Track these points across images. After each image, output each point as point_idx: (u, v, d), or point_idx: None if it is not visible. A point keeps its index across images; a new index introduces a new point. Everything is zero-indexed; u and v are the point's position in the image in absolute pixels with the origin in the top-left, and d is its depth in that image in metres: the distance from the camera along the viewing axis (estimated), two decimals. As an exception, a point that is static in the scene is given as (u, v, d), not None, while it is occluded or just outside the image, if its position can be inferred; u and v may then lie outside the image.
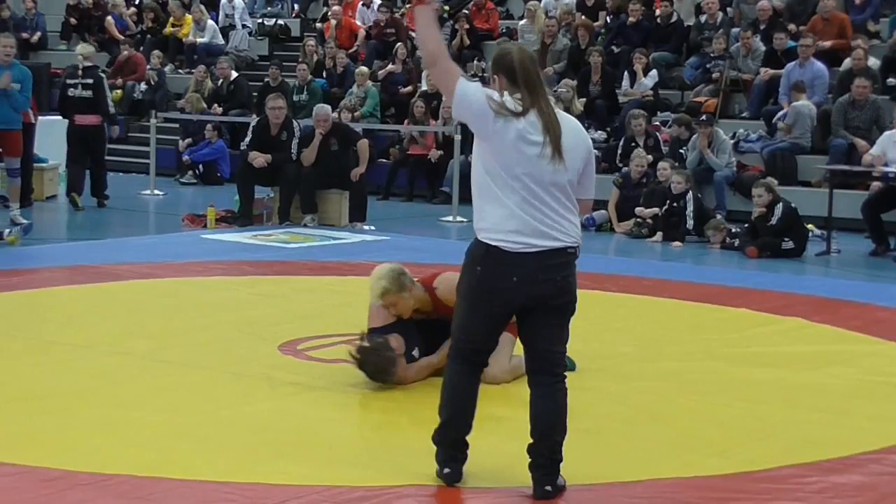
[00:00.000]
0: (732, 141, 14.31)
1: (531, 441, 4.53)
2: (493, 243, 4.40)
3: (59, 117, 15.70)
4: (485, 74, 17.33)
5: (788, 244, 11.43)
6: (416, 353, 6.10)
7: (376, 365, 5.92)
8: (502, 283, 4.42)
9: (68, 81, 14.25)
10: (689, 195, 12.17)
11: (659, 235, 12.17)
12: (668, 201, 12.26)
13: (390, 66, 17.66)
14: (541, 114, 4.39)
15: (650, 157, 13.44)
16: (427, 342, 6.16)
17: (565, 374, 4.59)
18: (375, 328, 6.08)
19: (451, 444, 4.63)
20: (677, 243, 11.89)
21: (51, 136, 15.28)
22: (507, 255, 4.39)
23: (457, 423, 4.61)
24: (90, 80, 14.12)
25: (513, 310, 4.50)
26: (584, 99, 15.68)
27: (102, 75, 15.23)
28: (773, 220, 11.45)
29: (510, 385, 6.14)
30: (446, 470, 4.60)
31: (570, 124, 4.52)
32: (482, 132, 4.43)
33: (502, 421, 5.58)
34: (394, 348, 5.95)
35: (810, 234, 11.91)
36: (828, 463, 5.00)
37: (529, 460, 4.53)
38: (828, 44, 15.21)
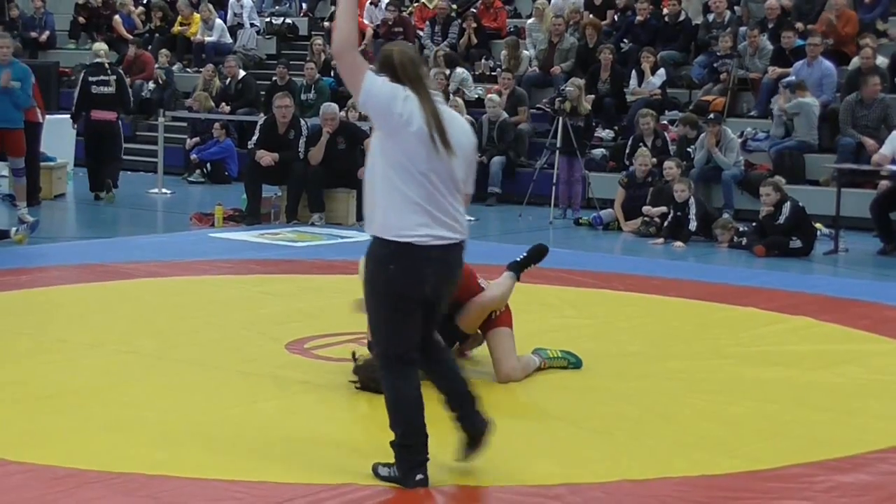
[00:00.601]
0: (740, 140, 14.29)
1: (456, 413, 4.67)
2: (405, 240, 4.42)
3: (68, 116, 15.76)
4: (493, 73, 17.37)
5: (796, 243, 11.42)
6: None
7: (371, 381, 5.90)
8: (420, 279, 4.47)
9: (90, 78, 14.56)
10: (692, 200, 12.16)
11: (661, 238, 12.13)
12: (671, 207, 12.24)
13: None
14: (422, 108, 4.44)
15: (655, 159, 13.42)
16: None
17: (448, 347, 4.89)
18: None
19: (417, 450, 4.58)
20: (679, 244, 11.87)
21: (59, 135, 15.32)
22: (420, 250, 4.44)
23: (415, 431, 4.58)
24: (113, 77, 14.59)
25: (426, 304, 4.55)
26: (593, 96, 15.67)
27: (122, 72, 15.59)
28: (781, 219, 11.43)
29: (514, 383, 6.14)
30: (419, 477, 4.54)
31: (458, 121, 4.60)
32: (387, 126, 4.48)
33: (505, 419, 5.58)
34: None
35: (819, 233, 11.89)
36: (835, 462, 5.00)
37: (460, 425, 4.65)
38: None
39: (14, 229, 10.92)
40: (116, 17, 21.36)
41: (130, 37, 20.32)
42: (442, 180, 4.46)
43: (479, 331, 6.35)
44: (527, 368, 6.28)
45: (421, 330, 4.60)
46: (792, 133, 14.25)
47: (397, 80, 4.47)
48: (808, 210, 11.74)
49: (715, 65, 15.77)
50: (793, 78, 14.43)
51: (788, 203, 11.48)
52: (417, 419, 4.58)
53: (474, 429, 4.63)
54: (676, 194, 12.16)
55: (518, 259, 6.50)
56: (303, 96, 17.19)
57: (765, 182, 11.88)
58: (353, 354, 6.05)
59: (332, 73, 18.30)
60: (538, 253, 6.59)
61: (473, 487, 4.60)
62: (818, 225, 12.02)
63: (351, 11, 4.51)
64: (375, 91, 4.47)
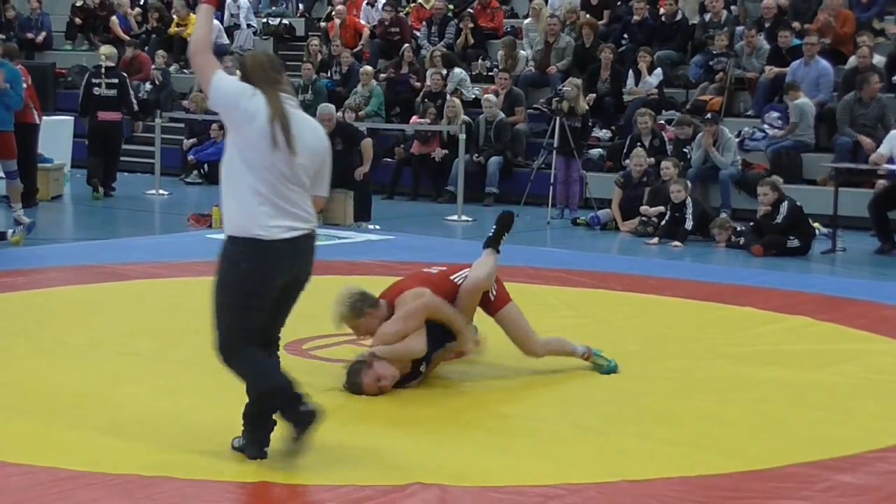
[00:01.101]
0: (738, 139, 14.30)
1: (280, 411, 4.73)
2: (254, 236, 4.64)
3: (65, 117, 15.77)
4: (490, 73, 17.36)
5: (794, 242, 11.43)
6: (423, 368, 6.07)
7: (348, 383, 5.91)
8: (272, 274, 4.68)
9: (93, 80, 14.90)
10: (689, 200, 12.16)
11: (655, 238, 12.12)
12: (668, 207, 12.24)
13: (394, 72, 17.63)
14: (267, 106, 4.65)
15: (651, 159, 13.42)
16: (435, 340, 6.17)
17: None
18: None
19: (268, 417, 4.77)
20: (676, 243, 11.88)
21: (56, 136, 15.33)
22: (268, 245, 4.63)
23: (285, 388, 4.72)
24: (115, 80, 14.95)
25: (276, 296, 4.75)
26: (594, 95, 15.67)
27: (125, 75, 15.85)
28: (779, 219, 11.44)
29: (514, 383, 6.14)
30: (266, 449, 4.77)
31: (309, 125, 4.84)
32: (233, 121, 4.74)
33: (504, 419, 5.59)
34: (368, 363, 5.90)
35: (817, 232, 11.90)
36: (834, 461, 5.00)
37: (283, 418, 4.70)
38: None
39: (10, 231, 10.91)
40: (113, 18, 21.36)
41: (127, 38, 20.31)
42: (285, 175, 4.67)
43: (475, 326, 6.37)
44: (551, 346, 6.39)
45: (269, 324, 4.84)
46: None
47: (248, 81, 4.74)
48: (806, 209, 11.75)
49: (711, 63, 15.78)
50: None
51: (786, 202, 11.49)
52: (283, 380, 4.76)
53: (299, 419, 4.71)
54: (673, 195, 12.16)
55: (490, 234, 6.53)
56: (300, 97, 17.17)
57: (762, 182, 11.89)
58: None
59: (329, 74, 18.33)
60: (506, 221, 6.65)
61: (470, 487, 4.59)
62: (816, 225, 12.03)
63: (207, 18, 4.95)
64: (223, 87, 4.76)
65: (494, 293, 6.30)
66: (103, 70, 14.92)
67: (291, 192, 4.69)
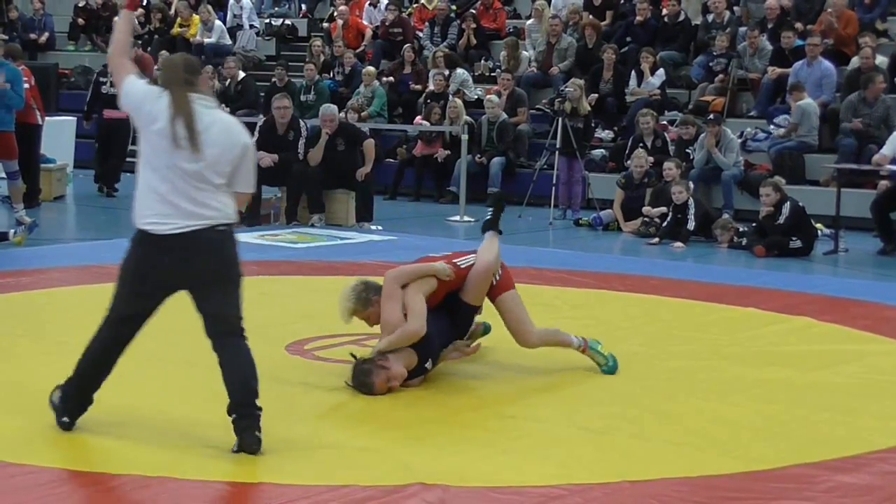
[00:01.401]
0: (740, 140, 14.29)
1: (232, 401, 4.88)
2: (143, 227, 4.91)
3: (68, 117, 15.78)
4: (493, 74, 17.36)
5: (796, 243, 11.42)
6: (428, 364, 6.07)
7: (358, 383, 5.91)
8: (153, 265, 4.93)
9: (101, 79, 15.10)
10: (691, 200, 12.15)
11: (656, 239, 12.12)
12: (670, 208, 12.23)
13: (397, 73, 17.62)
14: (170, 107, 4.83)
15: (653, 159, 13.42)
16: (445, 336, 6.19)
17: (244, 332, 5.16)
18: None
19: (83, 395, 5.11)
20: (679, 244, 11.87)
21: (59, 137, 15.34)
22: (155, 238, 4.87)
23: (97, 374, 5.10)
24: None
25: (169, 289, 5.00)
26: (596, 95, 15.66)
27: None
28: (781, 220, 11.43)
29: (515, 383, 6.14)
30: (65, 419, 5.09)
31: (222, 123, 4.94)
32: (138, 123, 4.97)
33: (506, 419, 5.58)
34: (383, 365, 5.90)
35: (819, 233, 11.89)
36: (836, 462, 5.00)
37: (234, 417, 4.86)
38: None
39: (12, 231, 10.92)
40: (116, 18, 21.38)
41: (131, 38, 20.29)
42: (189, 173, 4.81)
43: (488, 324, 6.40)
44: (545, 336, 6.39)
45: (150, 310, 5.12)
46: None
47: (161, 82, 4.97)
48: (809, 210, 11.74)
49: (713, 64, 15.77)
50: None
51: (788, 203, 11.48)
52: (103, 369, 5.12)
53: (243, 442, 4.85)
54: (675, 196, 12.15)
55: (487, 218, 6.54)
56: (302, 97, 17.20)
57: (765, 182, 11.88)
58: (353, 356, 6.05)
59: (332, 74, 18.33)
60: (499, 202, 6.68)
61: (472, 488, 4.59)
62: (819, 225, 12.02)
63: (126, 23, 5.27)
64: (132, 91, 5.01)
65: (499, 277, 6.32)
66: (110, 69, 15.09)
67: (198, 190, 4.83)
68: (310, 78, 17.51)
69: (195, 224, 4.84)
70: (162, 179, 4.82)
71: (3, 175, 12.56)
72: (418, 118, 16.43)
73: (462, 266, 6.23)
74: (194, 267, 4.92)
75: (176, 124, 4.79)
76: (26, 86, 12.74)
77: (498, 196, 6.83)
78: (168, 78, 4.94)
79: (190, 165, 4.80)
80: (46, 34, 21.62)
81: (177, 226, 4.83)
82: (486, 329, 6.82)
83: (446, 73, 16.90)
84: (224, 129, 4.93)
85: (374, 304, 6.10)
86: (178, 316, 7.69)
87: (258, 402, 4.90)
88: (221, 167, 4.87)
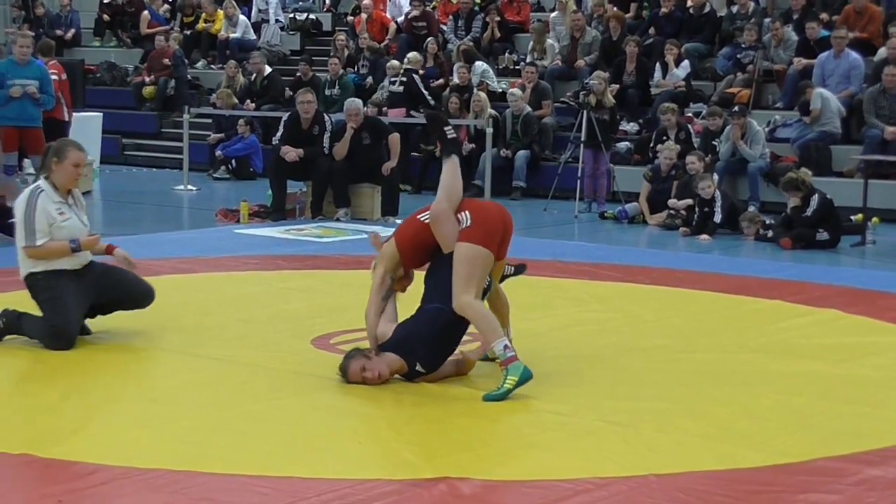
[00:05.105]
0: (768, 128, 14.23)
1: None
2: None
3: (94, 113, 15.84)
4: (517, 67, 17.33)
5: (823, 235, 11.36)
6: (419, 368, 5.99)
7: (340, 366, 5.89)
8: None
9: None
10: (717, 193, 12.10)
11: (686, 228, 12.08)
12: (696, 202, 12.17)
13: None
14: None
15: (679, 147, 13.37)
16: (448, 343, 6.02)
17: None
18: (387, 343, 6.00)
19: None
20: (705, 237, 11.83)
21: (85, 133, 15.39)
22: None
23: None
24: None
25: None
26: (617, 86, 15.62)
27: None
28: (809, 212, 11.38)
29: (540, 377, 6.14)
30: None
31: None
32: None
33: (532, 413, 5.58)
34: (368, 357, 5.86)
35: (870, 225, 11.80)
36: (864, 455, 4.97)
37: None
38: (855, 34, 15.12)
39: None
40: (145, 12, 21.45)
41: (156, 32, 20.31)
42: None
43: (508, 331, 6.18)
44: (476, 315, 5.71)
45: None
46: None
47: None
48: (836, 202, 11.67)
49: (738, 55, 15.71)
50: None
51: (816, 195, 11.42)
52: None
53: None
54: (702, 192, 12.08)
55: (438, 143, 6.20)
56: (327, 92, 17.22)
57: (786, 182, 11.67)
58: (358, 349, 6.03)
59: (356, 68, 18.35)
60: (436, 119, 6.25)
61: (499, 481, 4.59)
62: (875, 220, 11.97)
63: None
64: None
65: (468, 222, 5.80)
66: None
67: None
68: (334, 73, 17.53)
69: None
70: None
71: (32, 171, 12.62)
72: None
73: (424, 220, 5.98)
74: None
75: None
76: (55, 77, 12.79)
77: (432, 115, 6.36)
78: None
79: None
80: (73, 30, 21.72)
81: None
82: (517, 270, 6.47)
83: (468, 66, 16.88)
84: None
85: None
86: (206, 311, 7.74)
87: None
88: None
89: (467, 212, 5.86)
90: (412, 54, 17.16)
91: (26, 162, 13.40)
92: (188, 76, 19.54)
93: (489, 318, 5.76)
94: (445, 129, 6.11)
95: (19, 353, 6.52)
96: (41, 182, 6.77)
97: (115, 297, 6.81)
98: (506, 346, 5.67)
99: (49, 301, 6.55)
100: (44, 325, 6.55)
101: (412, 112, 15.89)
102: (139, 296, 6.88)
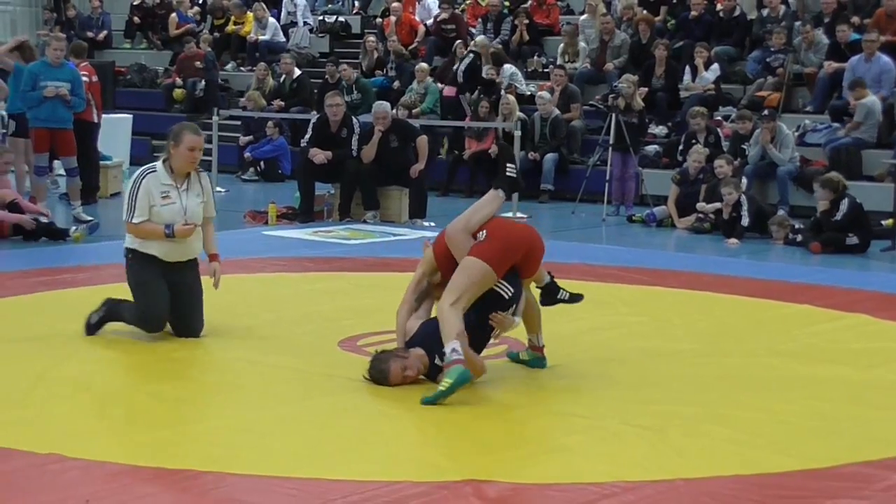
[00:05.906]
0: (798, 133, 14.16)
1: None
2: None
3: (124, 115, 15.92)
4: (546, 70, 17.32)
5: (853, 240, 11.30)
6: (437, 360, 5.98)
7: (376, 372, 5.91)
8: None
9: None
10: (742, 198, 12.05)
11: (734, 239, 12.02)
12: (724, 205, 12.12)
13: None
14: None
15: (707, 150, 13.32)
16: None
17: None
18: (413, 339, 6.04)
19: None
20: (733, 241, 11.79)
21: (114, 134, 15.50)
22: None
23: None
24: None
25: None
26: (647, 89, 15.57)
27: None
28: (839, 216, 11.32)
29: (567, 380, 6.11)
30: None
31: None
32: None
33: (557, 416, 5.57)
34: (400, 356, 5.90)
35: None
36: (893, 461, 4.94)
37: None
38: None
39: (73, 228, 11.05)
40: (173, 15, 21.56)
41: (186, 35, 20.41)
42: None
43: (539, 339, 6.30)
44: (445, 319, 5.71)
45: None
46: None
47: None
48: (866, 206, 11.61)
49: (768, 59, 15.65)
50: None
51: (846, 200, 11.36)
52: None
53: None
54: (725, 197, 12.05)
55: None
56: (347, 97, 17.23)
57: (822, 182, 11.61)
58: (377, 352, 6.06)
59: (384, 71, 18.37)
60: (505, 155, 6.41)
61: (525, 484, 4.59)
62: (889, 221, 11.88)
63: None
64: None
65: (483, 239, 5.93)
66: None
67: None
68: (347, 78, 17.54)
69: None
70: None
71: (63, 172, 12.70)
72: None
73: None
74: None
75: None
76: (86, 79, 12.85)
77: (504, 148, 6.55)
78: None
79: None
80: (104, 32, 21.83)
81: None
82: (573, 298, 6.43)
83: (496, 69, 16.86)
84: None
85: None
86: (234, 312, 7.76)
87: None
88: None
89: (486, 230, 5.97)
90: (480, 38, 17.31)
91: (56, 164, 13.49)
92: (218, 79, 19.61)
93: (451, 322, 5.70)
94: (508, 165, 6.25)
95: (70, 355, 6.56)
96: (157, 163, 6.81)
97: (171, 317, 6.86)
98: (453, 350, 5.61)
99: (140, 286, 6.81)
100: (135, 310, 6.78)
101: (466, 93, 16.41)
102: (188, 330, 6.89)
